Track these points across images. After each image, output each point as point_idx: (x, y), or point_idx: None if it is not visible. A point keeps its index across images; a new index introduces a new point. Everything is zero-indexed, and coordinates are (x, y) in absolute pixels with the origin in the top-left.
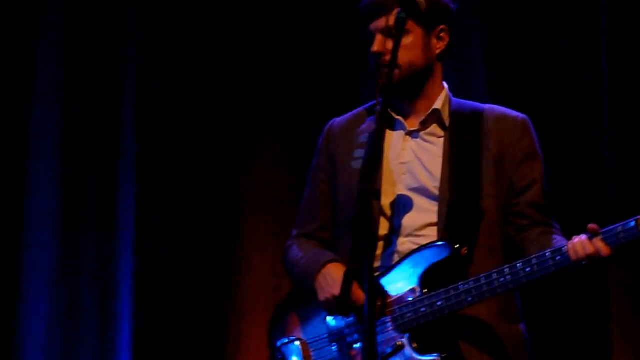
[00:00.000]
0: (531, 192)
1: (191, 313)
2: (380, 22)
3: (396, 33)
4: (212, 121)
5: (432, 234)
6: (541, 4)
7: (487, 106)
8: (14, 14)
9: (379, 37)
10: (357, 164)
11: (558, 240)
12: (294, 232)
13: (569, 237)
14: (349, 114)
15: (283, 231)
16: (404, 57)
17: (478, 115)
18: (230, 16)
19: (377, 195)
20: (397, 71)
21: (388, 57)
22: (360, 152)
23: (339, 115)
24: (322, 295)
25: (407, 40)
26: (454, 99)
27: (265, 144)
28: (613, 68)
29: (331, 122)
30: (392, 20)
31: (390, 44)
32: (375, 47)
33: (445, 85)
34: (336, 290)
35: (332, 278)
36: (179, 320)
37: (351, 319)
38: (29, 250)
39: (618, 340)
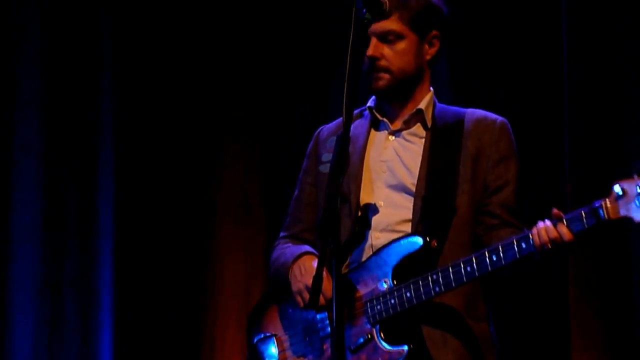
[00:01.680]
0: (504, 193)
1: (168, 318)
2: (377, 26)
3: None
4: (186, 132)
5: (407, 229)
6: None
7: (469, 110)
8: None
9: (374, 41)
10: (324, 168)
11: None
12: (281, 234)
13: None
14: (337, 120)
15: (254, 236)
16: (396, 62)
17: (460, 117)
18: (204, 29)
19: (345, 198)
20: (387, 76)
21: (383, 62)
22: (328, 157)
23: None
24: (295, 286)
25: (400, 45)
26: (438, 104)
27: (237, 151)
28: (573, 62)
29: (320, 128)
30: (390, 25)
31: (385, 49)
32: (371, 51)
33: (431, 89)
34: (308, 280)
35: (305, 268)
36: (157, 325)
37: (324, 313)
38: (14, 264)
39: (577, 336)
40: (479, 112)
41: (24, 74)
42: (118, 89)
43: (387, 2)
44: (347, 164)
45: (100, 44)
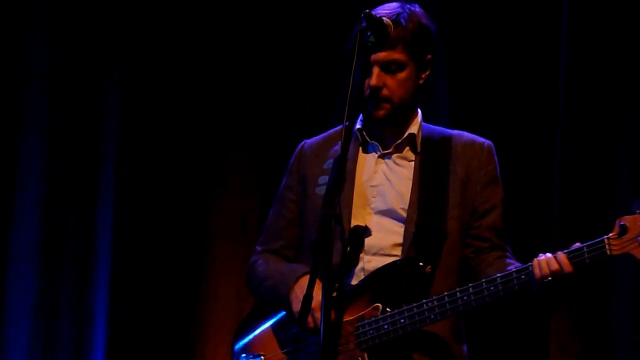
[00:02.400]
0: (492, 216)
1: (161, 338)
2: (381, 55)
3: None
4: (186, 156)
5: (397, 253)
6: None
7: (456, 132)
8: (4, 53)
9: (376, 70)
10: (321, 191)
11: (514, 264)
12: (258, 249)
13: (518, 259)
14: (322, 136)
15: (249, 258)
16: (398, 92)
17: (447, 140)
18: (203, 53)
19: (338, 220)
20: (388, 106)
21: (385, 92)
22: (324, 179)
23: None
24: (297, 305)
25: (402, 75)
26: (424, 124)
27: (235, 173)
28: (569, 76)
29: (302, 142)
30: (394, 55)
31: (388, 79)
32: (374, 81)
33: (419, 110)
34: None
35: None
36: (150, 344)
37: (315, 334)
38: (11, 282)
39: (555, 351)
40: (466, 136)
41: (30, 96)
42: (121, 114)
43: (392, 26)
44: (343, 186)
45: (105, 68)
